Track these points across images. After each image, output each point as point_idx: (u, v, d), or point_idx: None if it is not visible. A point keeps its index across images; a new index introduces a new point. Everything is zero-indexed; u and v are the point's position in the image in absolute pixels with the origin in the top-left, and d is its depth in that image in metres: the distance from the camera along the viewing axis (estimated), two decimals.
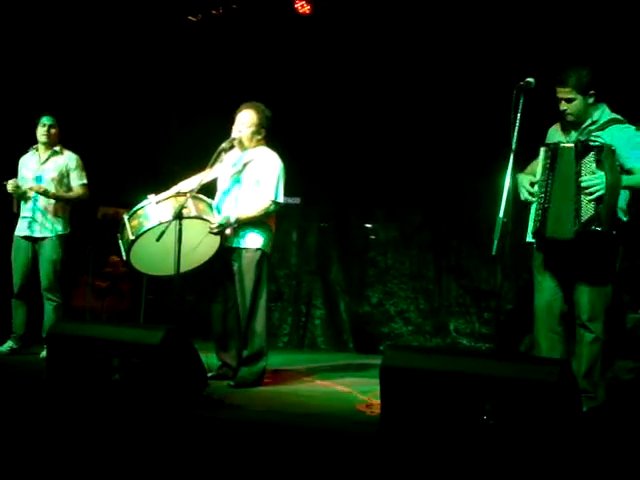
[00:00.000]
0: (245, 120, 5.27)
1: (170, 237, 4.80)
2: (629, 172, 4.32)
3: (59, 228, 6.12)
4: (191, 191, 5.06)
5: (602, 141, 4.31)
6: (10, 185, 6.05)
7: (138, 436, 3.96)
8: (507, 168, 4.18)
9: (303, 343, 7.44)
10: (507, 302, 6.55)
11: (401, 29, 6.91)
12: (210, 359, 5.25)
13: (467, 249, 6.94)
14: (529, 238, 4.48)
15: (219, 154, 5.20)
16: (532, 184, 4.45)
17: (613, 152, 4.28)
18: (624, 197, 4.36)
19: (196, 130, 7.26)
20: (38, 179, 6.12)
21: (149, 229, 4.95)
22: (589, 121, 4.43)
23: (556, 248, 4.43)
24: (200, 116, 7.43)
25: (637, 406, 4.69)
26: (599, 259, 4.36)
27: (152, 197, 5.06)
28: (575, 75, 4.35)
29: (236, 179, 5.27)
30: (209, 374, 4.93)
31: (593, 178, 4.23)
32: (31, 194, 6.06)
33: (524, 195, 4.47)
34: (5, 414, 4.26)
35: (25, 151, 6.29)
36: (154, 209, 5.00)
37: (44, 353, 5.38)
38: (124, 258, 5.15)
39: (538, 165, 4.46)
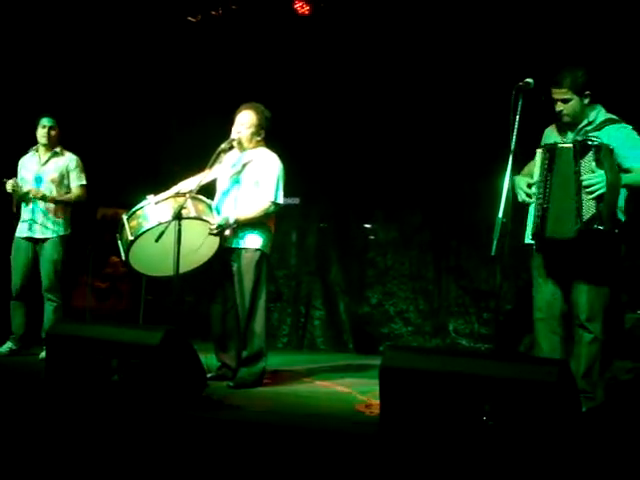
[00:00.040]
0: (244, 121, 5.27)
1: (169, 238, 4.80)
2: (627, 171, 4.33)
3: (60, 229, 6.13)
4: (190, 192, 5.06)
5: (600, 141, 4.31)
6: (10, 184, 6.06)
7: (138, 437, 3.95)
8: (506, 169, 4.18)
9: (302, 344, 7.44)
10: (506, 302, 6.56)
11: (401, 29, 6.91)
12: (209, 360, 5.25)
13: (466, 250, 6.94)
14: (528, 239, 4.49)
15: (218, 155, 5.20)
16: (529, 185, 4.46)
17: (611, 151, 4.29)
18: (622, 196, 4.37)
19: (196, 130, 7.27)
20: (38, 179, 6.13)
21: (148, 230, 4.95)
22: (585, 122, 4.44)
23: (556, 248, 4.44)
24: (200, 116, 7.44)
25: (636, 406, 4.69)
26: (599, 258, 4.36)
27: (151, 197, 5.06)
28: (570, 76, 4.37)
29: (235, 180, 5.27)
30: (208, 375, 4.93)
31: (593, 177, 4.24)
32: (33, 191, 6.06)
33: (522, 197, 4.48)
34: (5, 415, 4.25)
35: (25, 152, 6.29)
36: (153, 210, 5.00)
37: (43, 354, 5.38)
38: (123, 259, 5.15)
39: (535, 166, 4.47)
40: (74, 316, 6.81)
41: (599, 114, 4.45)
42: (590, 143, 4.30)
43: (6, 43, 7.19)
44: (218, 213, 5.19)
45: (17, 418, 4.23)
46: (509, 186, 4.18)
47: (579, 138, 4.41)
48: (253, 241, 5.21)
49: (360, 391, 5.10)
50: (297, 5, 7.24)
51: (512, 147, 4.19)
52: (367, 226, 7.46)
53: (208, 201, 5.20)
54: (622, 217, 4.38)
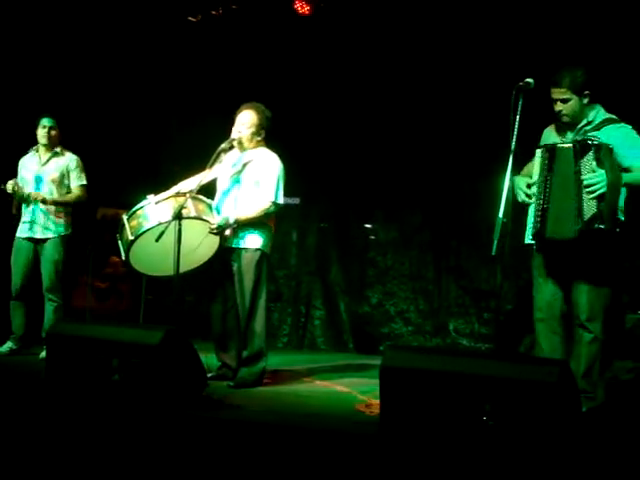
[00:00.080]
0: (245, 121, 5.27)
1: (169, 237, 4.80)
2: (627, 170, 4.33)
3: (61, 229, 6.13)
4: (191, 191, 5.06)
5: (599, 140, 4.31)
6: (10, 185, 6.06)
7: (138, 436, 3.96)
8: (506, 169, 4.19)
9: (303, 343, 7.44)
10: (507, 302, 6.55)
11: (401, 29, 6.91)
12: (210, 359, 5.25)
13: (467, 249, 6.94)
14: (528, 239, 4.48)
15: (218, 154, 5.20)
16: (529, 186, 4.47)
17: (611, 151, 4.29)
18: (622, 196, 4.37)
19: (196, 130, 7.27)
20: (38, 179, 6.13)
21: (148, 229, 4.95)
22: (584, 121, 4.45)
23: (556, 248, 4.44)
24: (200, 116, 7.44)
25: (636, 406, 4.69)
26: (599, 258, 4.36)
27: (151, 197, 5.06)
28: (570, 76, 4.37)
29: (236, 180, 5.27)
30: (209, 374, 4.93)
31: (594, 176, 4.24)
32: (33, 194, 6.06)
33: (521, 197, 4.48)
34: (5, 415, 4.25)
35: (25, 152, 6.29)
36: (153, 209, 5.00)
37: (43, 354, 5.38)
38: (123, 258, 5.15)
39: (534, 166, 4.47)
40: (74, 316, 6.81)
41: (598, 114, 4.45)
42: (590, 143, 4.30)
43: (6, 43, 7.19)
44: (218, 213, 5.19)
45: (17, 418, 4.23)
46: (509, 186, 4.18)
47: (578, 138, 4.41)
48: (253, 241, 5.21)
49: (360, 391, 5.10)
50: (297, 5, 7.24)
51: (512, 147, 4.19)
52: (367, 226, 7.46)
53: (208, 201, 5.20)
54: (622, 217, 4.39)
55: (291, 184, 5.41)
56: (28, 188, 6.13)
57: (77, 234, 6.32)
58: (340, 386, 5.42)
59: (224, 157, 5.33)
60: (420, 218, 7.17)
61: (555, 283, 4.50)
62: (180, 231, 4.78)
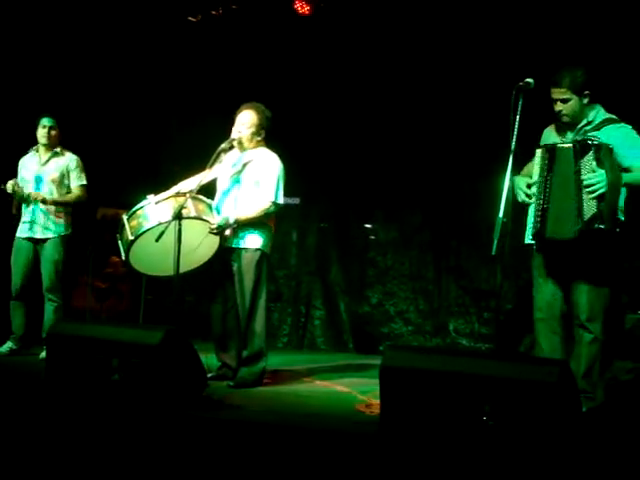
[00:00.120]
0: (245, 121, 5.27)
1: (169, 237, 4.79)
2: (627, 170, 4.33)
3: (61, 229, 6.13)
4: (191, 191, 5.06)
5: (599, 140, 4.32)
6: (10, 185, 6.06)
7: (138, 437, 3.96)
8: (506, 168, 4.19)
9: (303, 343, 7.44)
10: (507, 302, 6.55)
11: (401, 30, 6.91)
12: (210, 359, 5.25)
13: (467, 249, 6.94)
14: (528, 240, 4.48)
15: (218, 154, 5.20)
16: (529, 186, 4.47)
17: (611, 150, 4.30)
18: (622, 197, 4.37)
19: (196, 130, 7.27)
20: (38, 179, 6.12)
21: (148, 229, 4.95)
22: (584, 121, 4.45)
23: (556, 248, 4.44)
24: (200, 116, 7.44)
25: (636, 406, 4.69)
26: (599, 259, 4.37)
27: (151, 197, 5.06)
28: (570, 76, 4.37)
29: (236, 180, 5.27)
30: (209, 374, 4.93)
31: (594, 176, 4.24)
32: (33, 195, 6.06)
33: (521, 197, 4.48)
34: (5, 415, 4.25)
35: (25, 152, 6.29)
36: (153, 209, 5.00)
37: (43, 354, 5.38)
38: (123, 258, 5.15)
39: (534, 166, 4.47)
40: (74, 316, 6.81)
41: (598, 114, 4.46)
42: (590, 143, 4.30)
43: (6, 43, 7.19)
44: (218, 213, 5.19)
45: (17, 418, 4.23)
46: (509, 186, 4.18)
47: (578, 138, 4.41)
48: (253, 241, 5.21)
49: (360, 391, 5.10)
50: (297, 5, 7.24)
51: (512, 147, 4.19)
52: (367, 226, 7.46)
53: (208, 201, 5.20)
54: (622, 217, 4.39)
55: (291, 184, 5.41)
56: (28, 188, 6.13)
57: (77, 234, 6.32)
58: (340, 386, 5.42)
59: (224, 157, 5.33)
60: (420, 218, 7.18)
61: (555, 283, 4.50)
62: (180, 231, 4.78)
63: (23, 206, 6.14)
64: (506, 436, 3.48)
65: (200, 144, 6.06)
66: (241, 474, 3.66)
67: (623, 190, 4.36)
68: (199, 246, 5.12)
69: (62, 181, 6.15)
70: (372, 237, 7.43)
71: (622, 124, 4.42)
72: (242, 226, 5.16)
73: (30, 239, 6.11)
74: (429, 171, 7.01)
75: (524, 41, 6.26)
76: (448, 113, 6.79)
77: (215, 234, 5.09)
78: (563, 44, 5.95)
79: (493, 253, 4.09)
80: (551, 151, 4.42)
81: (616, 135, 4.36)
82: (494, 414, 3.52)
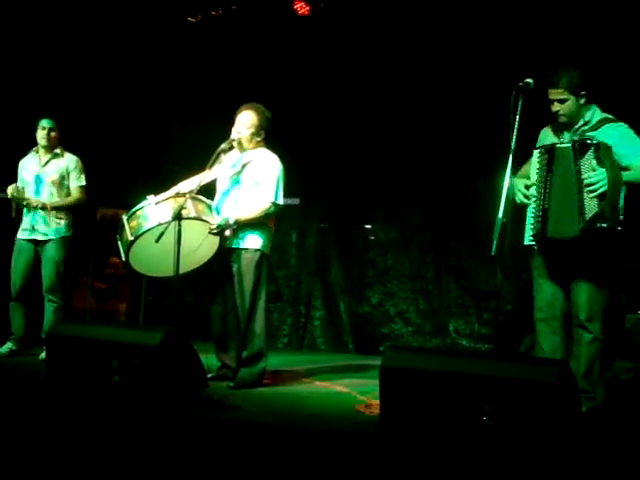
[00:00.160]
0: (245, 121, 5.26)
1: (169, 238, 4.79)
2: (626, 169, 4.34)
3: (62, 230, 6.13)
4: (190, 192, 5.05)
5: (598, 140, 4.32)
6: (10, 190, 6.06)
7: (138, 437, 3.95)
8: (506, 169, 4.19)
9: (302, 344, 7.44)
10: (506, 302, 6.55)
11: (400, 30, 6.91)
12: (210, 360, 5.25)
13: (466, 250, 6.95)
14: (527, 240, 4.48)
15: (218, 155, 5.20)
16: (527, 187, 4.47)
17: (610, 149, 4.30)
18: (621, 196, 4.37)
19: (196, 130, 7.27)
20: (38, 181, 6.12)
21: (148, 230, 4.95)
22: (581, 122, 4.46)
23: (557, 248, 4.44)
24: (200, 116, 7.44)
25: (636, 406, 4.69)
26: (600, 258, 4.37)
27: (151, 198, 5.06)
28: (566, 76, 4.39)
29: (235, 180, 5.27)
30: (209, 375, 4.93)
31: (594, 175, 4.25)
32: (32, 201, 6.05)
33: (520, 198, 4.48)
34: (4, 415, 4.25)
35: (25, 153, 6.29)
36: (153, 210, 4.99)
37: (43, 354, 5.38)
38: (123, 259, 5.15)
39: (532, 168, 4.48)
40: (74, 317, 6.81)
41: (595, 114, 4.47)
42: (589, 142, 4.31)
43: (6, 44, 7.19)
44: (218, 213, 5.19)
45: (17, 419, 4.23)
46: (509, 186, 4.19)
47: (576, 138, 4.42)
48: (253, 241, 5.21)
49: (360, 391, 5.10)
50: (297, 5, 7.24)
51: (512, 147, 4.20)
52: (367, 226, 7.46)
53: (208, 201, 5.20)
54: (621, 216, 4.39)
55: (291, 184, 5.41)
56: (28, 189, 6.14)
57: (77, 235, 6.31)
58: (340, 386, 5.42)
59: (224, 158, 5.33)
60: (420, 218, 7.18)
61: (555, 283, 4.50)
62: (180, 232, 4.78)
63: (24, 210, 6.13)
64: (506, 436, 3.48)
65: (200, 144, 6.06)
66: (241, 475, 3.66)
67: (622, 189, 4.36)
68: (199, 247, 5.12)
69: (62, 182, 6.15)
70: (372, 237, 7.43)
71: (619, 123, 4.43)
72: (242, 227, 5.16)
73: (31, 240, 6.11)
74: (429, 171, 7.01)
75: (524, 41, 6.26)
76: (448, 113, 6.80)
77: (215, 234, 5.08)
78: (562, 44, 5.96)
79: (493, 253, 4.09)
80: (550, 151, 4.43)
81: (614, 134, 4.37)
82: (494, 414, 3.52)
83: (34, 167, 6.17)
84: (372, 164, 7.18)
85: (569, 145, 4.38)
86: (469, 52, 6.63)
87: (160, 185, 5.46)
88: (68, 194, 6.18)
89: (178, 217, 4.83)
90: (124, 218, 5.10)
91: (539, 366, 3.58)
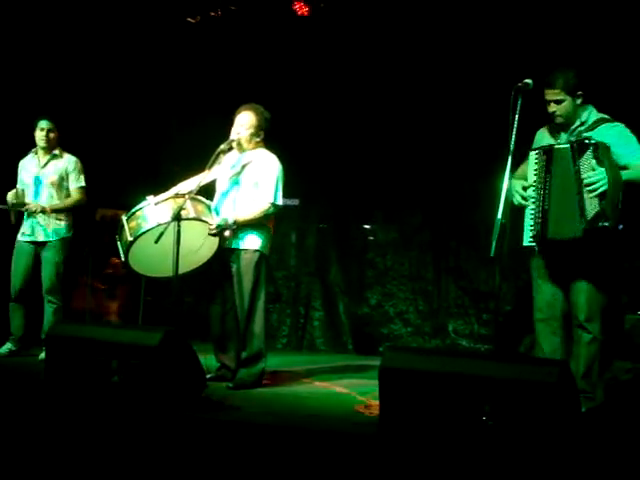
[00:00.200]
0: (244, 122, 5.26)
1: (169, 238, 4.79)
2: (624, 168, 4.34)
3: (62, 231, 6.13)
4: (190, 192, 5.05)
5: (596, 139, 4.32)
6: (10, 197, 6.06)
7: (137, 438, 3.95)
8: (505, 169, 4.19)
9: (302, 344, 7.44)
10: (506, 303, 6.55)
11: (400, 30, 6.91)
12: (209, 360, 5.25)
13: (466, 250, 6.95)
14: (527, 242, 4.48)
15: (218, 156, 5.20)
16: (525, 188, 4.48)
17: (609, 149, 4.31)
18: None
19: (196, 131, 7.27)
20: (37, 182, 6.12)
21: (147, 230, 4.95)
22: (578, 122, 4.46)
23: (556, 249, 4.43)
24: (200, 117, 7.44)
25: (635, 406, 4.69)
26: (600, 258, 4.37)
27: (151, 198, 5.06)
28: (563, 77, 4.39)
29: (235, 181, 5.27)
30: (208, 375, 4.93)
31: (594, 174, 4.25)
32: (32, 207, 6.05)
33: (518, 200, 4.48)
34: (4, 416, 4.25)
35: (25, 154, 6.28)
36: (153, 210, 5.00)
37: (43, 355, 5.39)
38: (122, 259, 5.15)
39: (530, 169, 4.48)
40: (74, 317, 6.81)
41: (591, 114, 4.47)
42: (588, 142, 4.31)
43: (6, 44, 7.19)
44: (217, 214, 5.19)
45: (17, 419, 4.23)
46: (508, 187, 4.19)
47: (572, 139, 4.43)
48: (252, 242, 5.21)
49: (359, 392, 5.10)
50: (296, 6, 7.24)
51: (511, 148, 4.20)
52: (366, 227, 7.46)
53: (207, 202, 5.20)
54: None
55: (290, 185, 5.41)
56: (28, 191, 6.14)
57: (77, 235, 6.31)
58: (339, 387, 5.41)
59: (223, 158, 5.33)
60: (420, 219, 7.18)
61: (555, 283, 4.50)
62: (179, 232, 4.78)
63: (24, 213, 6.13)
64: (506, 436, 3.48)
65: (200, 145, 6.05)
66: (241, 475, 3.66)
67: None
68: (198, 247, 5.12)
69: (61, 184, 6.15)
70: (371, 238, 7.43)
71: (616, 123, 4.43)
72: (241, 227, 5.16)
73: (31, 242, 6.11)
74: (429, 172, 7.01)
75: (523, 42, 6.27)
76: (447, 114, 6.80)
77: (214, 235, 5.09)
78: (563, 45, 5.96)
79: (492, 254, 4.09)
80: (548, 152, 4.43)
81: (611, 134, 4.37)
82: (494, 414, 3.52)
83: (33, 168, 6.17)
84: (372, 165, 7.18)
85: (567, 146, 4.39)
86: (468, 53, 6.63)
87: (159, 186, 5.46)
88: (68, 195, 6.18)
89: (177, 218, 4.83)
90: (123, 219, 5.10)
91: (539, 366, 3.58)
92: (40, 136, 6.11)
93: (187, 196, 4.99)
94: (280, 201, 5.23)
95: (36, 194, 6.13)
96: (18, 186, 6.19)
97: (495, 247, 4.08)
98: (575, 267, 4.40)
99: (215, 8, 7.53)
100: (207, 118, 7.13)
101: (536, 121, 4.59)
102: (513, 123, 4.19)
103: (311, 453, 3.72)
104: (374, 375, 3.91)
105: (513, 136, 4.19)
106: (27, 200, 6.11)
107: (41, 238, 6.09)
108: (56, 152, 6.18)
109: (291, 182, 5.43)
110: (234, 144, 5.26)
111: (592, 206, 4.25)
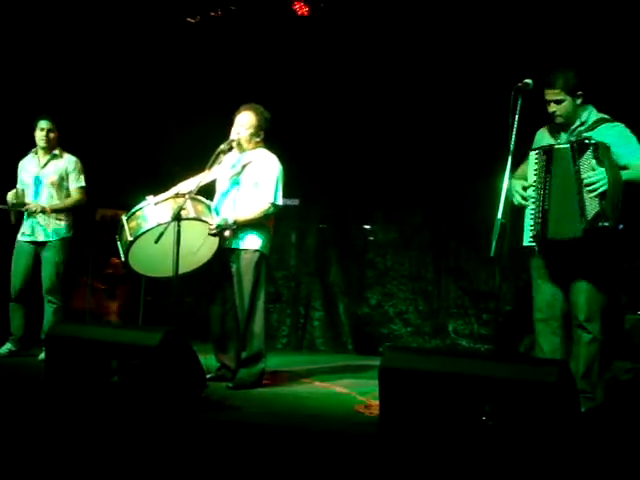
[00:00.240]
0: (244, 122, 5.26)
1: (169, 238, 4.79)
2: (624, 168, 4.34)
3: (62, 231, 6.13)
4: (190, 192, 5.05)
5: (596, 140, 4.32)
6: (10, 197, 6.06)
7: (137, 438, 3.95)
8: (505, 169, 4.19)
9: (302, 344, 7.44)
10: (506, 303, 6.55)
11: (400, 31, 6.92)
12: (209, 361, 5.25)
13: (466, 250, 6.95)
14: (526, 242, 4.48)
15: (218, 156, 5.20)
16: (524, 188, 4.48)
17: (608, 149, 4.31)
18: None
19: (196, 131, 7.27)
20: (37, 182, 6.12)
21: (147, 230, 4.95)
22: (578, 122, 4.46)
23: (556, 249, 4.43)
24: (200, 117, 7.43)
25: (635, 406, 4.69)
26: (601, 258, 4.37)
27: (151, 198, 5.06)
28: (563, 77, 4.39)
29: (235, 181, 5.27)
30: (208, 376, 4.93)
31: (594, 174, 4.25)
32: (32, 207, 6.05)
33: (517, 200, 4.48)
34: (4, 416, 4.25)
35: (25, 154, 6.28)
36: (153, 210, 5.00)
37: (42, 355, 5.39)
38: (122, 259, 5.15)
39: (529, 169, 4.48)
40: (74, 317, 6.80)
41: (591, 114, 4.47)
42: (587, 142, 4.31)
43: (6, 44, 7.19)
44: (217, 214, 5.19)
45: (17, 419, 4.23)
46: (508, 187, 4.19)
47: (573, 139, 4.43)
48: (252, 242, 5.21)
49: (359, 392, 5.10)
50: (296, 6, 7.24)
51: (511, 148, 4.20)
52: (366, 227, 7.46)
53: (207, 202, 5.20)
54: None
55: (290, 185, 5.41)
56: (28, 191, 6.14)
57: (77, 235, 6.31)
58: (339, 387, 5.41)
59: (223, 158, 5.33)
60: (420, 219, 7.18)
61: (555, 283, 4.50)
62: (179, 232, 4.78)
63: (24, 213, 6.13)
64: (506, 436, 3.48)
65: (200, 145, 6.05)
66: (240, 475, 3.66)
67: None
68: (198, 247, 5.12)
69: (61, 184, 6.15)
70: (371, 238, 7.43)
71: (615, 123, 4.43)
72: (241, 227, 5.16)
73: (31, 242, 6.11)
74: (429, 172, 7.01)
75: (523, 42, 6.27)
76: (447, 114, 6.80)
77: (214, 235, 5.09)
78: (562, 45, 5.96)
79: (492, 254, 4.09)
80: (548, 153, 4.43)
81: (611, 134, 4.37)
82: (493, 414, 3.52)
83: (33, 168, 6.17)
84: (371, 165, 7.18)
85: (567, 146, 4.38)
86: (468, 53, 6.63)
87: (159, 186, 5.46)
88: (68, 195, 6.18)
89: (177, 218, 4.83)
90: (123, 219, 5.10)
91: (538, 366, 3.58)
92: (40, 136, 6.11)
93: (187, 196, 4.99)
94: (280, 201, 5.23)
95: (36, 194, 6.13)
96: (18, 186, 6.19)
97: (495, 247, 4.08)
98: (575, 267, 4.40)
99: (215, 8, 7.53)
100: (207, 118, 7.12)
101: (536, 121, 4.59)
102: (513, 123, 4.19)
103: (311, 453, 3.72)
104: (374, 375, 3.91)
105: (513, 136, 4.19)
106: (27, 200, 6.12)
107: (41, 238, 6.09)
108: (56, 152, 6.18)
109: (291, 182, 5.43)
110: (234, 144, 5.26)
111: (592, 206, 4.25)
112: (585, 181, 4.27)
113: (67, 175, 6.16)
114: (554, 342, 4.49)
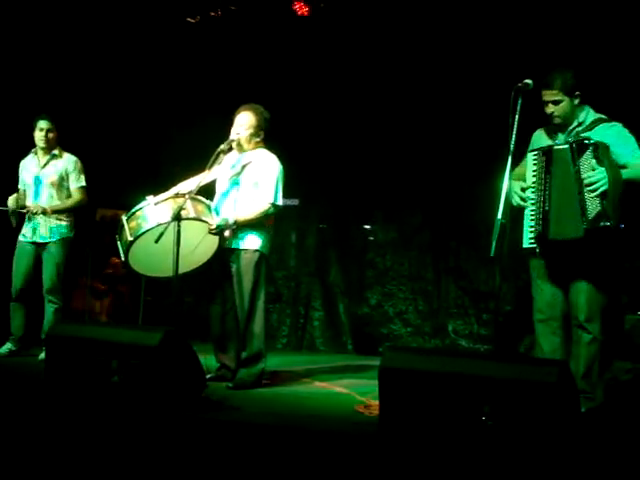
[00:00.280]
0: (243, 122, 5.27)
1: (169, 238, 4.79)
2: (623, 168, 4.34)
3: (64, 231, 6.13)
4: (190, 192, 5.05)
5: (595, 139, 4.33)
6: (11, 201, 6.06)
7: (137, 438, 3.95)
8: (505, 170, 4.19)
9: (302, 344, 7.44)
10: (506, 303, 6.56)
11: (400, 31, 6.92)
12: (209, 361, 5.25)
13: (466, 250, 6.95)
14: (527, 243, 4.47)
15: (217, 156, 5.20)
16: (523, 189, 4.48)
17: (608, 148, 4.31)
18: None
19: (196, 131, 7.27)
20: (37, 182, 6.12)
21: (147, 230, 4.95)
22: (575, 122, 4.47)
23: (557, 249, 4.43)
24: (200, 117, 7.44)
25: (635, 407, 4.70)
26: (601, 258, 4.37)
27: (151, 198, 5.06)
28: (561, 77, 4.39)
29: (235, 181, 5.27)
30: (208, 376, 4.93)
31: (594, 174, 4.25)
32: (32, 208, 6.05)
33: (517, 201, 4.48)
34: (4, 416, 4.25)
35: (25, 154, 6.28)
36: (153, 210, 5.00)
37: (43, 355, 5.39)
38: (123, 259, 5.15)
39: (528, 170, 4.48)
40: (74, 317, 6.81)
41: (588, 115, 4.48)
42: (587, 142, 4.31)
43: (5, 44, 7.19)
44: (217, 214, 5.19)
45: (17, 419, 4.23)
46: (508, 187, 4.19)
47: (570, 139, 4.43)
48: (252, 242, 5.21)
49: (359, 392, 5.10)
50: (296, 6, 7.25)
51: (511, 148, 4.20)
52: (366, 227, 7.46)
53: (207, 202, 5.20)
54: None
55: (290, 185, 5.41)
56: (29, 192, 6.14)
57: (77, 235, 6.31)
58: (339, 387, 5.42)
59: (223, 158, 5.33)
60: (420, 219, 7.18)
61: (555, 284, 4.50)
62: (179, 232, 4.78)
63: (25, 214, 6.13)
64: (506, 436, 3.48)
65: (200, 145, 6.05)
66: (240, 475, 3.66)
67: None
68: (198, 247, 5.12)
69: (61, 184, 6.15)
70: (371, 238, 7.43)
71: (613, 123, 4.44)
72: (241, 227, 5.16)
73: (32, 242, 6.11)
74: (429, 172, 7.01)
75: (523, 42, 6.27)
76: (447, 114, 6.80)
77: (214, 235, 5.09)
78: (561, 45, 5.96)
79: (492, 254, 4.09)
80: (547, 153, 4.43)
81: (609, 134, 4.38)
82: (493, 415, 3.52)
83: (34, 168, 6.17)
84: (371, 165, 7.18)
85: (567, 146, 4.38)
86: (468, 53, 6.64)
87: (159, 186, 5.46)
88: (68, 195, 6.18)
89: (177, 218, 4.83)
90: (123, 218, 5.10)
91: (538, 366, 3.58)
92: (39, 136, 6.11)
93: (187, 196, 4.99)
94: (280, 201, 5.23)
95: (36, 194, 6.13)
96: (19, 186, 6.20)
97: (495, 247, 4.08)
98: (575, 267, 4.40)
99: (215, 8, 7.53)
100: (207, 118, 7.13)
101: (536, 121, 4.59)
102: (513, 123, 4.19)
103: (311, 453, 3.72)
104: (374, 375, 3.91)
105: (513, 136, 4.19)
106: (27, 202, 6.12)
107: (42, 239, 6.09)
108: (55, 152, 6.17)
109: (291, 182, 5.43)
110: (234, 144, 5.27)
111: (593, 206, 4.25)
112: (585, 181, 4.28)
113: (67, 175, 6.16)
114: (554, 342, 4.49)
